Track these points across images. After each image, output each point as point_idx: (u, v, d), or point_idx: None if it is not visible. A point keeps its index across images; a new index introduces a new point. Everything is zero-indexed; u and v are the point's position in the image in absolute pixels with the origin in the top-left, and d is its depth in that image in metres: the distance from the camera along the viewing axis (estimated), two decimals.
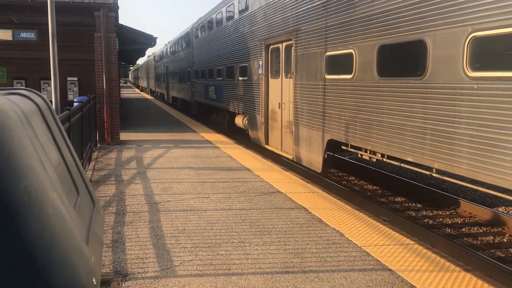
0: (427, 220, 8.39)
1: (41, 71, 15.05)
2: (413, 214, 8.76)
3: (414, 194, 9.80)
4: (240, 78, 14.66)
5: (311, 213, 6.22)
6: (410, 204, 9.40)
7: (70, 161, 2.67)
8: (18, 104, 2.10)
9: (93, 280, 1.89)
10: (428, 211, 8.90)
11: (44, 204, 1.78)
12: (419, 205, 9.28)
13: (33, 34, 15.14)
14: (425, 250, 4.90)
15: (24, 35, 15.19)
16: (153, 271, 4.28)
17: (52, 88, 8.55)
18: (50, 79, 8.68)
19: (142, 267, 4.37)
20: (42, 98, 2.81)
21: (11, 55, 15.48)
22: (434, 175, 6.25)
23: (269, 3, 11.82)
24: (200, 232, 5.39)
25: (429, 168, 6.22)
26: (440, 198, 9.36)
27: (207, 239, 5.14)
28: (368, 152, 7.64)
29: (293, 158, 10.58)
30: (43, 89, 15.31)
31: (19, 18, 13.75)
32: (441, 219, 8.43)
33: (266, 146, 12.51)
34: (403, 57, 6.61)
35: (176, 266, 4.40)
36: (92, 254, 2.07)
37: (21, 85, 15.22)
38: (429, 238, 7.16)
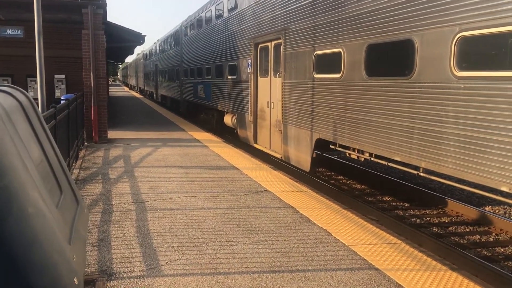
0: (414, 219, 8.44)
1: (28, 68, 14.83)
2: (401, 213, 8.81)
3: (402, 194, 9.86)
4: (229, 77, 14.62)
5: (298, 212, 6.22)
6: (397, 203, 9.45)
7: (53, 160, 2.63)
8: None
9: (75, 280, 1.86)
10: (416, 210, 8.96)
11: (25, 203, 1.75)
12: (406, 204, 9.33)
13: (19, 31, 14.94)
14: (412, 249, 4.92)
15: (10, 32, 14.98)
16: (139, 271, 4.24)
17: (38, 86, 8.45)
18: (37, 76, 8.57)
19: (128, 267, 4.33)
20: (25, 95, 2.76)
21: None
22: (422, 174, 6.28)
23: (258, 1, 11.80)
24: (187, 231, 5.35)
25: (416, 168, 6.25)
26: (427, 198, 9.42)
27: (194, 238, 5.11)
28: (356, 152, 7.66)
29: (281, 157, 10.58)
30: (29, 86, 15.12)
31: (5, 15, 13.56)
32: (428, 218, 8.49)
33: (255, 145, 12.50)
34: (391, 56, 6.63)
35: (162, 265, 4.37)
36: (74, 253, 2.04)
37: (8, 83, 15.01)
38: (416, 237, 7.20)
